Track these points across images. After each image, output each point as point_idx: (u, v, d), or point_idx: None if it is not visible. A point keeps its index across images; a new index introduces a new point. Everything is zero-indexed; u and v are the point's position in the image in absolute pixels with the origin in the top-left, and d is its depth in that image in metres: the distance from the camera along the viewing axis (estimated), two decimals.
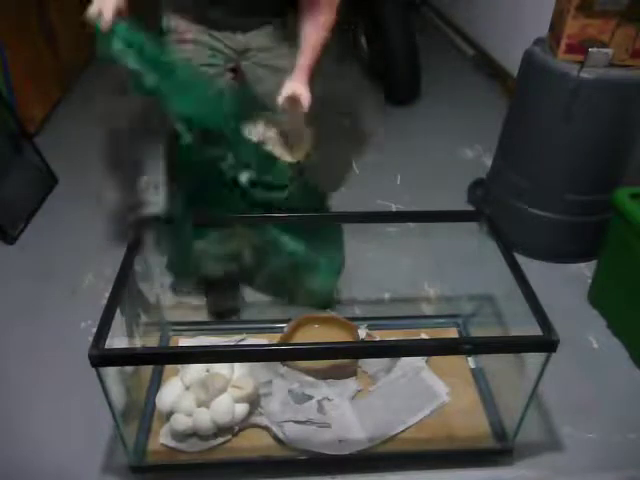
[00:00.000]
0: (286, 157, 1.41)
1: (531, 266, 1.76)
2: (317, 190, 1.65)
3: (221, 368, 1.33)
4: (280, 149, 1.41)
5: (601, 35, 1.58)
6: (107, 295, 1.15)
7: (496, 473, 1.28)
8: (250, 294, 1.71)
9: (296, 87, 1.35)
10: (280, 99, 1.35)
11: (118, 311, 1.14)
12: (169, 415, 1.29)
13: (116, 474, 1.26)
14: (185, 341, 1.53)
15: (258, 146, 1.40)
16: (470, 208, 2.10)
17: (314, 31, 1.38)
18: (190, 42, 1.43)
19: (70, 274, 1.80)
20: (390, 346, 1.25)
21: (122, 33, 1.23)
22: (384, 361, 1.46)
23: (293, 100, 1.35)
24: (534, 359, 1.12)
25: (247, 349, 1.22)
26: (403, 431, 1.32)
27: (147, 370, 1.43)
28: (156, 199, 1.83)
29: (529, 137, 1.80)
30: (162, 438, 1.29)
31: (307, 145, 1.43)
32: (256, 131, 1.41)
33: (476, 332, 1.56)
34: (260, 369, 1.40)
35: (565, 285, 1.79)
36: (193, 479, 1.30)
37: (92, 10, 1.20)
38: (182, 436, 1.28)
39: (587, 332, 1.63)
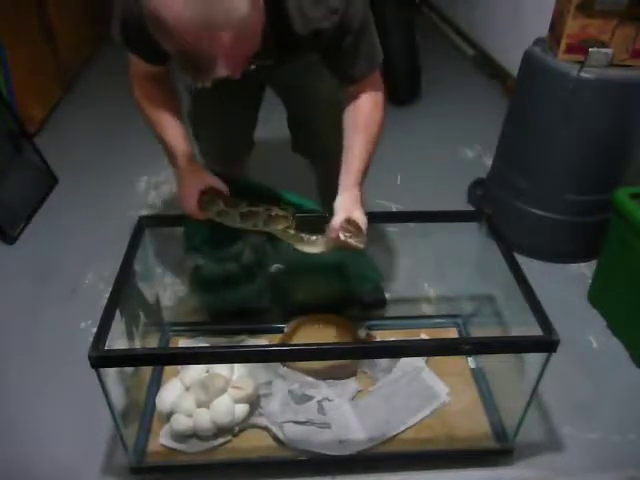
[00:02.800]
0: (308, 249, 1.25)
1: (531, 266, 1.76)
2: None
3: (221, 369, 1.33)
4: (300, 244, 1.25)
5: (601, 35, 1.58)
6: (107, 295, 1.15)
7: (496, 473, 1.28)
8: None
9: (350, 211, 1.14)
10: (332, 230, 1.14)
11: (118, 312, 1.14)
12: (169, 416, 1.29)
13: (116, 475, 1.25)
14: (185, 342, 1.53)
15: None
16: (470, 208, 2.10)
17: (361, 136, 1.19)
18: None
19: (70, 274, 1.80)
20: (390, 346, 1.25)
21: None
22: (384, 361, 1.46)
23: (351, 224, 1.13)
24: (534, 359, 1.12)
25: (247, 350, 1.22)
26: (403, 431, 1.32)
27: (147, 371, 1.43)
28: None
29: (529, 137, 1.80)
30: (162, 439, 1.29)
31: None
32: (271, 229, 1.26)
33: (476, 332, 1.56)
34: (260, 370, 1.40)
35: (565, 285, 1.79)
36: None
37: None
38: (182, 437, 1.28)
39: (587, 332, 1.63)
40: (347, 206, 1.16)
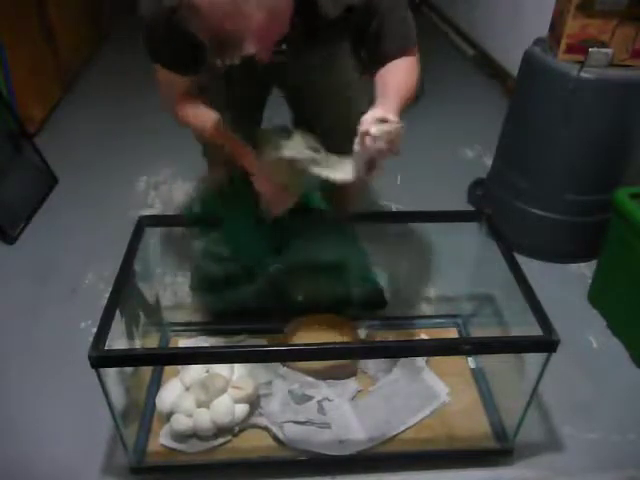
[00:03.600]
0: (332, 175, 1.12)
1: (531, 266, 1.76)
2: None
3: (221, 369, 1.33)
4: (323, 169, 1.13)
5: (601, 35, 1.58)
6: (107, 295, 1.15)
7: (496, 473, 1.28)
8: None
9: (386, 114, 0.99)
10: (364, 123, 0.98)
11: (118, 312, 1.14)
12: (169, 416, 1.29)
13: (116, 475, 1.25)
14: (185, 342, 1.53)
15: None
16: (470, 208, 2.10)
17: (397, 73, 1.13)
18: None
19: (70, 274, 1.80)
20: (390, 346, 1.25)
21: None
22: (384, 361, 1.46)
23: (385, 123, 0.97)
24: (534, 359, 1.12)
25: (247, 350, 1.22)
26: (403, 431, 1.32)
27: (147, 371, 1.43)
28: None
29: (529, 137, 1.80)
30: (162, 439, 1.29)
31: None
32: (292, 147, 1.15)
33: (476, 332, 1.56)
34: (260, 370, 1.40)
35: (565, 285, 1.79)
36: None
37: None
38: (182, 437, 1.28)
39: (587, 332, 1.63)
40: (383, 109, 1.02)
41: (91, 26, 3.41)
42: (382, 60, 1.18)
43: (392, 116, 0.99)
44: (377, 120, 0.97)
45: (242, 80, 1.32)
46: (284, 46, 1.15)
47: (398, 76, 1.15)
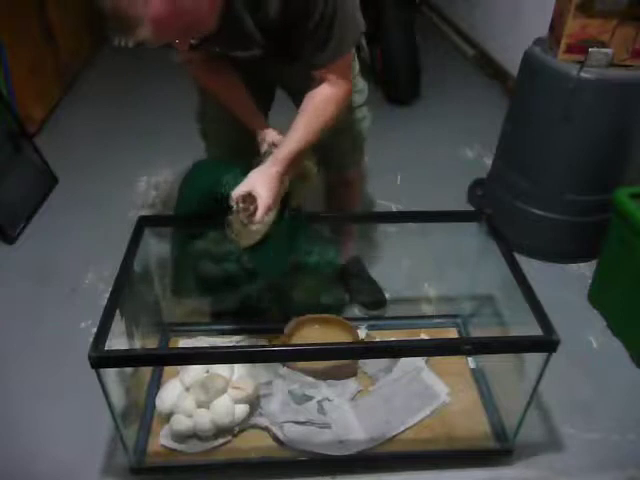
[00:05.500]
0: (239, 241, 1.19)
1: (531, 266, 1.76)
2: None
3: (221, 369, 1.33)
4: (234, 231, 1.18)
5: (601, 35, 1.58)
6: (107, 295, 1.15)
7: (496, 473, 1.28)
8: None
9: (257, 186, 1.13)
10: (234, 195, 1.13)
11: (118, 312, 1.14)
12: (169, 416, 1.29)
13: (116, 475, 1.26)
14: (185, 342, 1.53)
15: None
16: (470, 208, 2.10)
17: (305, 121, 1.19)
18: None
19: (70, 274, 1.80)
20: (390, 346, 1.24)
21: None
22: (384, 361, 1.46)
23: (250, 200, 1.13)
24: (534, 359, 1.12)
25: (247, 350, 1.22)
26: (403, 431, 1.32)
27: (147, 371, 1.43)
28: None
29: (529, 137, 1.80)
30: (162, 439, 1.29)
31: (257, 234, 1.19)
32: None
33: (476, 332, 1.56)
34: (260, 370, 1.40)
35: (565, 285, 1.79)
36: None
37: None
38: (182, 437, 1.28)
39: (587, 332, 1.63)
40: (254, 181, 1.15)
41: (91, 27, 3.41)
42: (313, 67, 1.17)
43: (262, 189, 1.12)
44: (243, 194, 1.12)
45: (245, 81, 1.32)
46: (257, 51, 1.16)
47: (305, 121, 1.19)
